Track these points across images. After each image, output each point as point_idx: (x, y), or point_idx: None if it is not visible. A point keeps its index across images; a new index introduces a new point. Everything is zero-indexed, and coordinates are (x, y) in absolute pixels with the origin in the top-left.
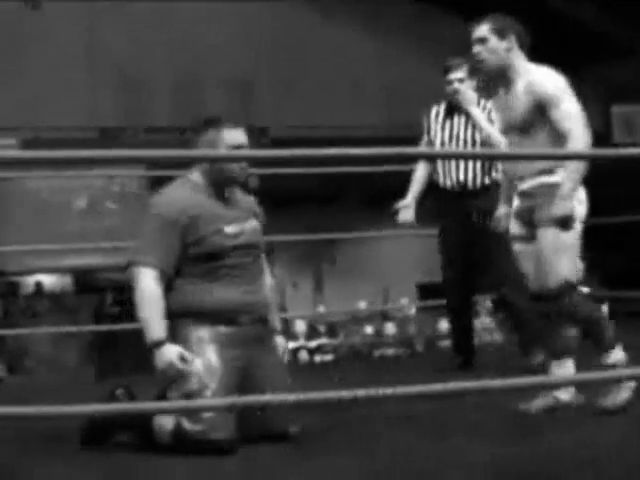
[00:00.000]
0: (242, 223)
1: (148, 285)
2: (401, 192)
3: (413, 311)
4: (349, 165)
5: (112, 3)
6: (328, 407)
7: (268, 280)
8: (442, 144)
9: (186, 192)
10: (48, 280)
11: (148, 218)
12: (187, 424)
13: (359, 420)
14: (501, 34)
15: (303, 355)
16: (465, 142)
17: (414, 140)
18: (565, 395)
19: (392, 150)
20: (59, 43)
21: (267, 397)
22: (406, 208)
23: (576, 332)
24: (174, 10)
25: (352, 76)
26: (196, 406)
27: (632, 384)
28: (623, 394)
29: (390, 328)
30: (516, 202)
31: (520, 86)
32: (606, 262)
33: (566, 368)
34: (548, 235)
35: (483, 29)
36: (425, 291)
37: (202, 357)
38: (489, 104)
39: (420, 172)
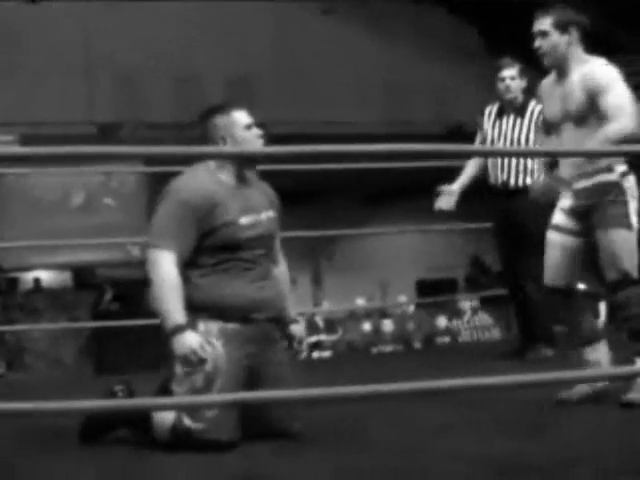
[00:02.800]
0: (258, 213)
1: (169, 270)
2: (400, 189)
3: (411, 308)
4: (349, 162)
5: (111, 1)
6: (328, 403)
7: (283, 268)
8: (492, 142)
9: (207, 177)
10: (46, 276)
11: (170, 201)
12: (188, 421)
13: (359, 417)
14: (563, 28)
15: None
16: (512, 142)
17: (413, 137)
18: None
19: (393, 147)
20: (57, 39)
21: (268, 394)
22: (449, 195)
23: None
24: (173, 6)
25: (352, 73)
26: (196, 403)
27: None
28: None
29: (388, 325)
30: (569, 201)
31: (575, 77)
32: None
33: (600, 353)
34: (614, 235)
35: (545, 22)
36: (424, 287)
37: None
38: (538, 107)
39: (471, 167)
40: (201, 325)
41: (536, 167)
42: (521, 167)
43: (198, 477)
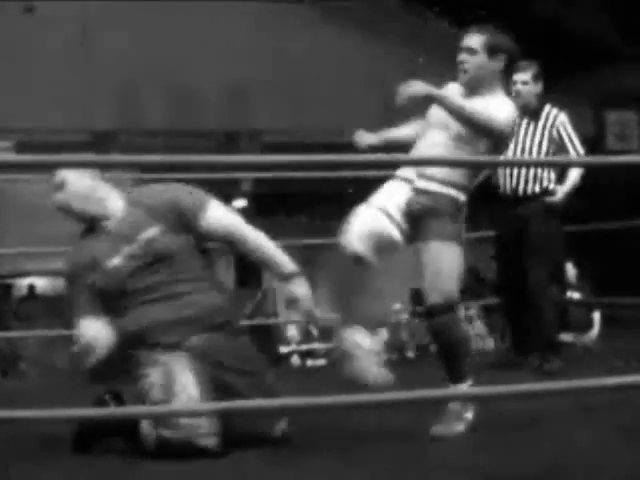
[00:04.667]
0: (129, 245)
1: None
2: None
3: (405, 316)
4: (345, 170)
5: (107, 7)
6: (320, 412)
7: (244, 232)
8: None
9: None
10: (41, 283)
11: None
12: (167, 432)
13: (351, 426)
14: (492, 52)
15: (295, 359)
16: (523, 149)
17: (407, 146)
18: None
19: (389, 157)
20: (54, 47)
21: (255, 402)
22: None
23: None
24: (169, 14)
25: (348, 81)
26: (186, 411)
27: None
28: (458, 425)
29: (382, 333)
30: (405, 196)
31: (480, 101)
32: (594, 269)
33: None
34: (447, 248)
35: (475, 40)
36: (419, 296)
37: (161, 368)
38: (562, 116)
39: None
40: (161, 357)
41: (546, 174)
42: (531, 175)
43: None
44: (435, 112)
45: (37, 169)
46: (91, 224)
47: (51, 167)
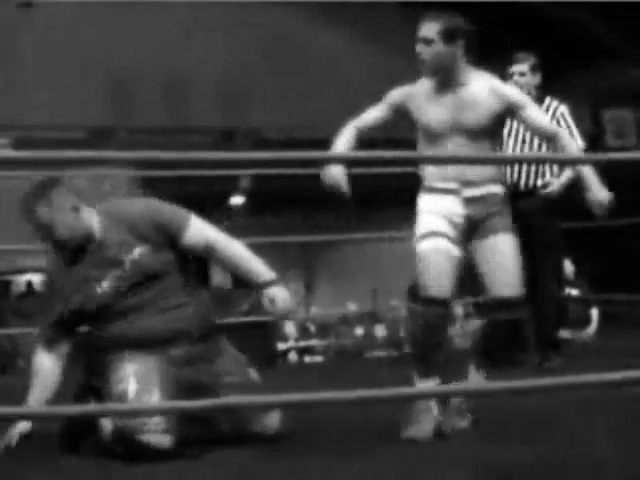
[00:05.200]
0: (116, 268)
1: (36, 359)
2: (394, 195)
3: (403, 313)
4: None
5: (102, 4)
6: (319, 408)
7: (223, 244)
8: (501, 144)
9: (53, 273)
10: (39, 279)
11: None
12: (120, 422)
13: (350, 422)
14: (449, 38)
15: (293, 356)
16: (523, 141)
17: (406, 143)
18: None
19: (386, 154)
20: (50, 44)
21: (252, 399)
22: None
23: None
24: (166, 11)
25: (345, 78)
26: (168, 408)
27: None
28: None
29: (380, 330)
30: (458, 207)
31: (477, 90)
32: (591, 266)
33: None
34: (510, 241)
35: (430, 30)
36: (417, 293)
37: (137, 363)
38: (562, 107)
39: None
40: (140, 359)
41: (547, 169)
42: (532, 168)
43: None
44: (437, 119)
45: (35, 166)
46: (75, 248)
47: (49, 164)
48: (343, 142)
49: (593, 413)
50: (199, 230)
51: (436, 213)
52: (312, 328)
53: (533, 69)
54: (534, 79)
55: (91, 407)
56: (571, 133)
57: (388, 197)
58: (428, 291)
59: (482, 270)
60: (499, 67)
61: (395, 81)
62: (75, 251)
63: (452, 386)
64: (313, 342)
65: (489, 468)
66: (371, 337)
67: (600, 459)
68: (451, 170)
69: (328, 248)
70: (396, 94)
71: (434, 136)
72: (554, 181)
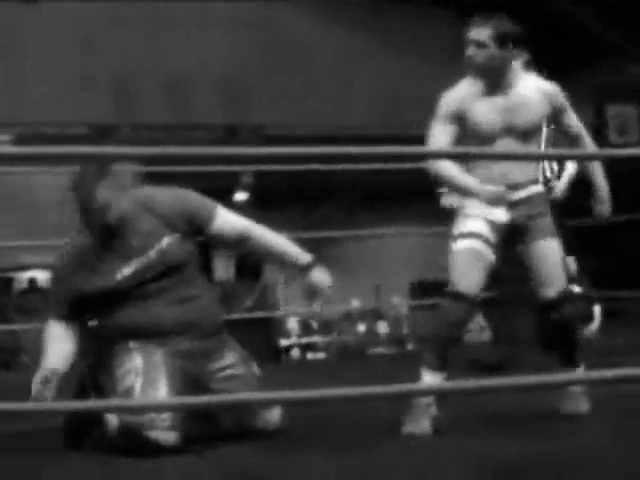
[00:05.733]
0: (142, 257)
1: (48, 329)
2: (396, 191)
3: (405, 310)
4: (344, 163)
5: (105, 1)
6: (321, 405)
7: (255, 231)
8: None
9: (73, 258)
10: (42, 276)
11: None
12: (126, 417)
13: (352, 419)
14: (501, 43)
15: (295, 352)
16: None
17: (408, 139)
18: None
19: (388, 149)
20: (53, 40)
21: (253, 395)
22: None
23: None
24: (167, 8)
25: (346, 74)
26: (173, 404)
27: None
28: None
29: (382, 326)
30: (502, 213)
31: (526, 92)
32: (593, 263)
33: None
34: (554, 244)
35: (483, 34)
36: (418, 289)
37: (143, 356)
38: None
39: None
40: (147, 353)
41: (547, 164)
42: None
43: (184, 478)
44: (488, 120)
45: (37, 161)
46: (106, 231)
47: (51, 159)
48: (459, 173)
49: (596, 409)
50: (229, 219)
51: (479, 216)
52: (314, 325)
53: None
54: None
55: (96, 403)
56: None
57: (391, 194)
58: (456, 287)
59: (530, 272)
60: None
61: (396, 79)
62: (106, 234)
63: (449, 383)
64: (315, 339)
65: (489, 463)
66: (373, 334)
67: (602, 455)
68: (497, 173)
69: (331, 244)
70: (449, 103)
71: (484, 138)
72: (556, 184)
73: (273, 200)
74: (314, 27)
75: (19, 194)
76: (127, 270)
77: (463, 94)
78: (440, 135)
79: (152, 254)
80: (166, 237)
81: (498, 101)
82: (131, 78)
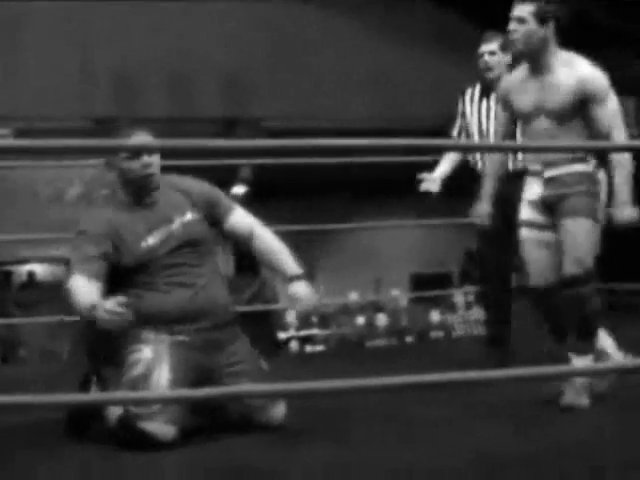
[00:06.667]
0: (168, 225)
1: (75, 283)
2: (394, 184)
3: (405, 302)
4: (343, 156)
5: None
6: (319, 397)
7: (266, 236)
8: (479, 125)
9: (107, 211)
10: (41, 270)
11: (75, 234)
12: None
13: (351, 411)
14: (542, 20)
15: (294, 345)
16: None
17: (407, 132)
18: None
19: (387, 142)
20: (53, 34)
21: (257, 387)
22: (432, 181)
23: None
24: (167, 3)
25: (346, 67)
26: (174, 397)
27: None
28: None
29: (382, 319)
30: (539, 189)
31: (563, 76)
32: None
33: (604, 341)
34: (582, 224)
35: (525, 9)
36: (418, 282)
37: (151, 347)
38: None
39: (450, 155)
40: (151, 335)
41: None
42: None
43: (187, 472)
44: (524, 102)
45: (37, 155)
46: (139, 193)
47: (51, 153)
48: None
49: (596, 401)
50: (244, 216)
51: (526, 199)
52: (313, 317)
53: (503, 48)
54: (505, 58)
55: (96, 396)
56: None
57: (390, 186)
58: (529, 281)
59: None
60: None
61: (399, 68)
62: (144, 198)
63: (454, 375)
64: (314, 331)
65: (489, 455)
66: (372, 326)
67: (602, 446)
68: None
69: (330, 237)
70: (500, 89)
71: (525, 118)
72: None
73: (272, 193)
74: (315, 21)
75: (19, 188)
76: (152, 240)
77: (511, 78)
78: (497, 122)
79: (176, 225)
80: (189, 212)
81: (534, 82)
82: (131, 72)
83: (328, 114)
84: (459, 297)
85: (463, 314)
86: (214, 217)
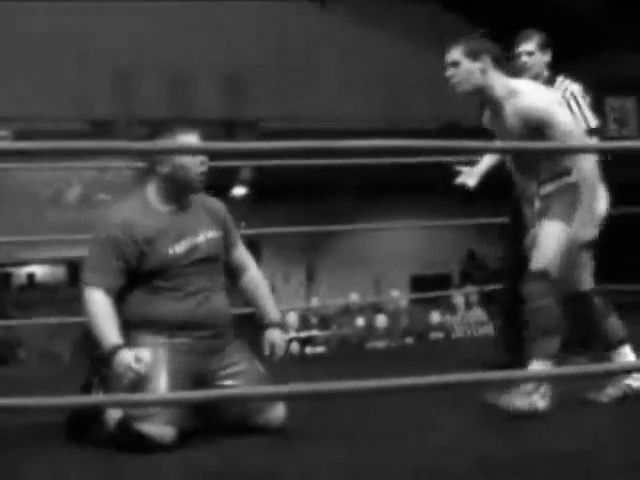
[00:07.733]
0: (195, 237)
1: (100, 303)
2: (395, 185)
3: (404, 303)
4: (343, 157)
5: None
6: (320, 399)
7: (254, 273)
8: None
9: (137, 208)
10: (41, 271)
11: (96, 237)
12: (125, 410)
13: (350, 413)
14: (474, 56)
15: (294, 346)
16: None
17: (408, 133)
18: (637, 382)
19: (387, 143)
20: (52, 35)
21: (258, 390)
22: (471, 174)
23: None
24: (167, 3)
25: (346, 68)
26: (174, 399)
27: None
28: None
29: (381, 320)
30: (537, 204)
31: (509, 107)
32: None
33: (626, 355)
34: (554, 226)
35: (454, 53)
36: (418, 283)
37: (150, 351)
38: (574, 86)
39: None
40: (148, 338)
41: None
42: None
43: (186, 474)
44: (497, 134)
45: (36, 157)
46: (181, 193)
47: (50, 154)
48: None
49: (595, 402)
50: (245, 252)
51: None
52: (313, 319)
53: (541, 47)
54: (544, 57)
55: (94, 398)
56: (582, 113)
57: (391, 188)
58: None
59: None
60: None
61: (401, 70)
62: (176, 197)
63: (454, 376)
64: (314, 333)
65: (490, 458)
66: (372, 327)
67: (601, 447)
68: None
69: (330, 238)
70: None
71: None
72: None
73: (272, 195)
74: (315, 22)
75: (18, 190)
76: (179, 248)
77: (485, 114)
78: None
79: (201, 239)
80: (213, 230)
81: (495, 118)
82: (131, 74)
83: (328, 115)
84: (459, 298)
85: (463, 315)
86: (225, 242)
